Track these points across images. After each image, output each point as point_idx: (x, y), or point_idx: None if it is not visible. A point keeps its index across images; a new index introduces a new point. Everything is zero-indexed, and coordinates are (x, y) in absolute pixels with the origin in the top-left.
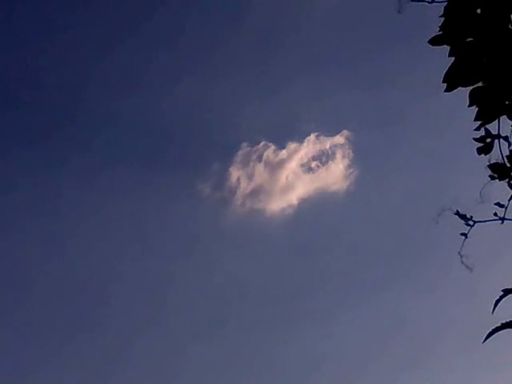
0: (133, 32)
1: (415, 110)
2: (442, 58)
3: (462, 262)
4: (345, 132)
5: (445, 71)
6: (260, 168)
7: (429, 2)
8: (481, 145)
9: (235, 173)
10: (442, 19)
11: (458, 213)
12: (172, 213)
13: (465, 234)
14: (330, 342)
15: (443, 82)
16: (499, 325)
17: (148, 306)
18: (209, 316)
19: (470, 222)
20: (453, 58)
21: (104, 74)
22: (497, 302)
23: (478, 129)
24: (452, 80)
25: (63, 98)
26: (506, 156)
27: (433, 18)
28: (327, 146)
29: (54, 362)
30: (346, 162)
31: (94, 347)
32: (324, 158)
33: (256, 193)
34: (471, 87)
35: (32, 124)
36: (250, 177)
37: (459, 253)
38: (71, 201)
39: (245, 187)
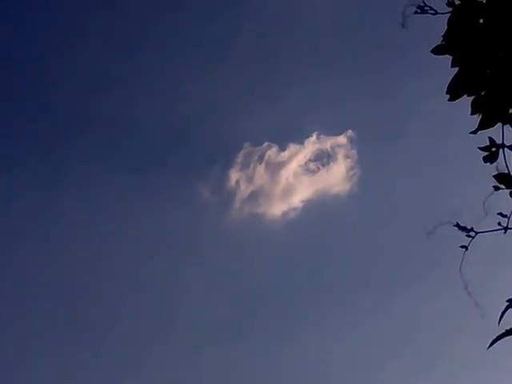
0: (134, 37)
1: (420, 115)
2: (447, 63)
3: (462, 280)
4: (348, 133)
5: (449, 79)
6: (263, 170)
7: (432, 14)
8: (486, 153)
9: (237, 175)
10: (445, 29)
11: (458, 225)
12: (172, 217)
13: (465, 247)
14: (331, 348)
15: (447, 92)
16: (503, 331)
17: (144, 310)
18: (207, 321)
19: (472, 233)
20: (456, 69)
21: (103, 79)
22: (503, 312)
23: (474, 132)
24: (456, 89)
25: (61, 104)
26: None
27: (436, 28)
28: (331, 147)
29: (66, 368)
30: (350, 163)
31: (105, 354)
32: (326, 159)
33: (259, 195)
34: (474, 96)
35: (31, 130)
36: (252, 179)
37: (460, 269)
38: (70, 206)
39: (246, 190)
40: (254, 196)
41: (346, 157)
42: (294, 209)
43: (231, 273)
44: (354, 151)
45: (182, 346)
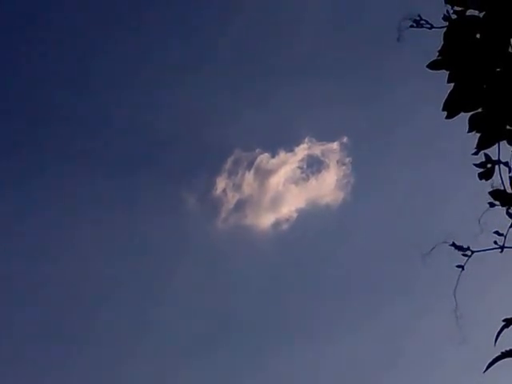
0: (117, 38)
1: (417, 126)
2: (443, 74)
3: (455, 301)
4: (343, 140)
5: (445, 90)
6: (253, 178)
7: (428, 28)
8: (481, 170)
9: (225, 183)
10: (441, 44)
11: (454, 244)
12: (153, 226)
13: (461, 266)
14: (318, 365)
15: (443, 109)
16: (500, 354)
17: (122, 320)
18: (188, 334)
19: (468, 253)
20: (452, 85)
21: (83, 80)
22: (499, 332)
23: (476, 153)
24: (452, 106)
25: (41, 102)
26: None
27: (433, 42)
28: (325, 155)
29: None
30: (345, 171)
31: (79, 368)
32: (319, 167)
33: (248, 204)
34: (471, 113)
35: (8, 130)
36: (241, 188)
37: (454, 291)
38: (50, 211)
39: (234, 199)
40: (243, 205)
41: (340, 165)
42: (286, 219)
43: (216, 285)
44: (349, 159)
45: (162, 358)
